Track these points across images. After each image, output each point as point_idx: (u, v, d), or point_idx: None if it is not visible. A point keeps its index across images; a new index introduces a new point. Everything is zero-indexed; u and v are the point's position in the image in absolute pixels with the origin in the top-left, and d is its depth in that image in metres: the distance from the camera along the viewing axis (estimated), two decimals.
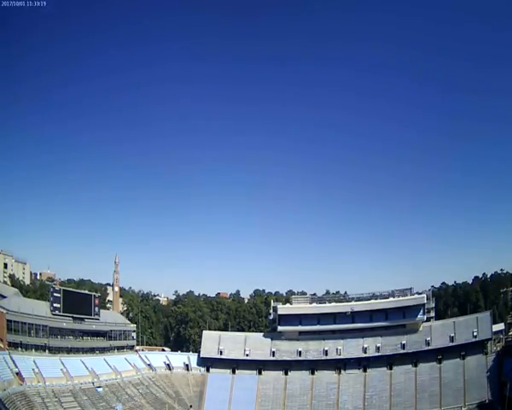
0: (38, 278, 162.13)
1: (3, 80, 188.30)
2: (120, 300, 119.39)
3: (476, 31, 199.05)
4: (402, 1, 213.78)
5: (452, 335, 72.51)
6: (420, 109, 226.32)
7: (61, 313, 67.50)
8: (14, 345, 56.64)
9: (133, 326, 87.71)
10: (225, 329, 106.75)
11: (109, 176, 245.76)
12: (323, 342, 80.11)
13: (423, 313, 75.99)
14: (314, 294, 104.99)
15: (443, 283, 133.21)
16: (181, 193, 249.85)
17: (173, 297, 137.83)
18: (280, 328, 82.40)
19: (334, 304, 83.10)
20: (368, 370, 75.44)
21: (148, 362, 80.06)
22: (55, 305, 67.05)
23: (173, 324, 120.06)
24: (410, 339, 75.54)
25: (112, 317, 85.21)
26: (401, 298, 78.59)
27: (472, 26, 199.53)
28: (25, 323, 59.38)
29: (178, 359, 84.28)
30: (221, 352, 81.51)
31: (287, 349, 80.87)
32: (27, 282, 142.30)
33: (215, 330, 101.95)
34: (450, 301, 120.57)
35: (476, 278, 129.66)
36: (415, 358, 73.49)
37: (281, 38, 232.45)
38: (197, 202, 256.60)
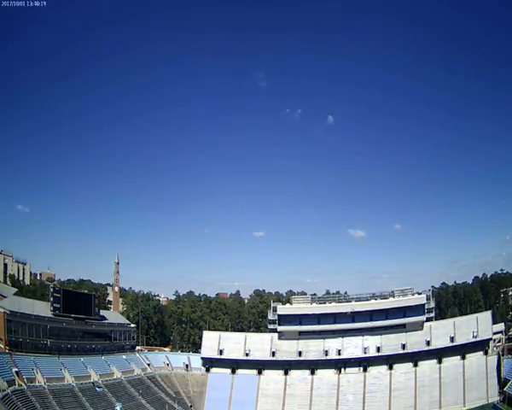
0: (38, 278, 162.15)
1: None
2: (120, 300, 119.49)
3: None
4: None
5: (452, 335, 72.39)
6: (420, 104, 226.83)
7: (61, 313, 67.31)
8: (14, 345, 56.48)
9: (133, 326, 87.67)
10: (225, 329, 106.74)
11: (109, 176, 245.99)
12: (324, 341, 79.92)
13: (423, 313, 75.90)
14: (314, 294, 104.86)
15: (443, 283, 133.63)
16: (181, 193, 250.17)
17: (173, 297, 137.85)
18: (280, 328, 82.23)
19: (334, 304, 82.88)
20: (368, 370, 75.41)
21: (148, 362, 79.98)
22: (55, 305, 66.87)
23: (173, 324, 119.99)
24: (411, 339, 75.42)
25: (112, 317, 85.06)
26: (401, 298, 78.43)
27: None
28: (25, 323, 59.22)
29: (178, 359, 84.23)
30: (221, 352, 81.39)
31: (287, 349, 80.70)
32: (27, 282, 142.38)
33: (215, 330, 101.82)
34: (451, 301, 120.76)
35: (476, 278, 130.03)
36: (415, 358, 73.38)
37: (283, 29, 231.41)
38: (198, 201, 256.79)
